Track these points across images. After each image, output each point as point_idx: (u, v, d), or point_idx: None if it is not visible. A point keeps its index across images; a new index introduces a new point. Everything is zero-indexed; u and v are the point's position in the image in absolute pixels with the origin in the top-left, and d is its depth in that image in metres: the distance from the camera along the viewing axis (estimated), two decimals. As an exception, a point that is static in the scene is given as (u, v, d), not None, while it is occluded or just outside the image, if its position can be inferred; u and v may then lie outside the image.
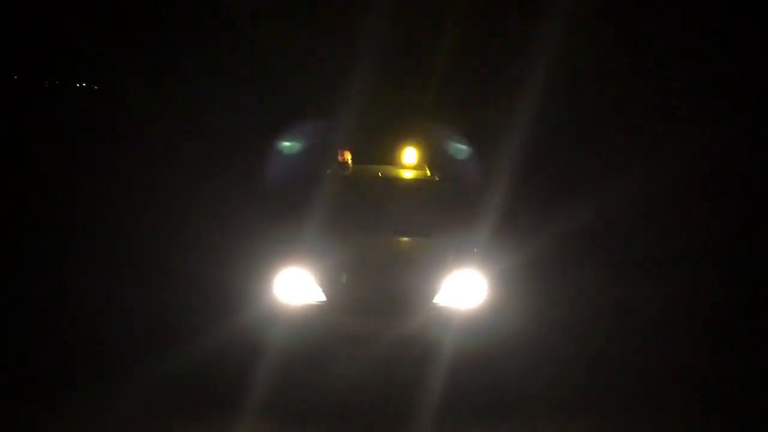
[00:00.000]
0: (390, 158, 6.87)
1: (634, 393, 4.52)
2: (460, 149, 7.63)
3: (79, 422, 3.88)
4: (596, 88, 10.81)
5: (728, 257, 7.35)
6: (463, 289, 4.47)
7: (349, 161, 6.28)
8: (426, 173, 6.16)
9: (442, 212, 5.37)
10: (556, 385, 4.55)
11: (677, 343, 5.42)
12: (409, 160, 6.41)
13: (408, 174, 6.14)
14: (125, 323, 5.30)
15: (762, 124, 8.91)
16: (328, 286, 4.44)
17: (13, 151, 10.32)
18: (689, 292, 6.52)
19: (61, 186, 9.19)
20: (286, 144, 5.64)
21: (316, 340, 4.37)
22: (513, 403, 4.28)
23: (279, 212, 5.52)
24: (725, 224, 8.13)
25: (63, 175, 9.65)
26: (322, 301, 4.42)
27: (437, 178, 5.98)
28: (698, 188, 9.06)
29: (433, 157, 6.44)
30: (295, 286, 4.48)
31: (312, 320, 4.40)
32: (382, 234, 5.11)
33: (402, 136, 7.45)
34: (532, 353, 4.89)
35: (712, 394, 4.53)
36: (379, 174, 6.14)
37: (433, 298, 4.41)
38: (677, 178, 8.78)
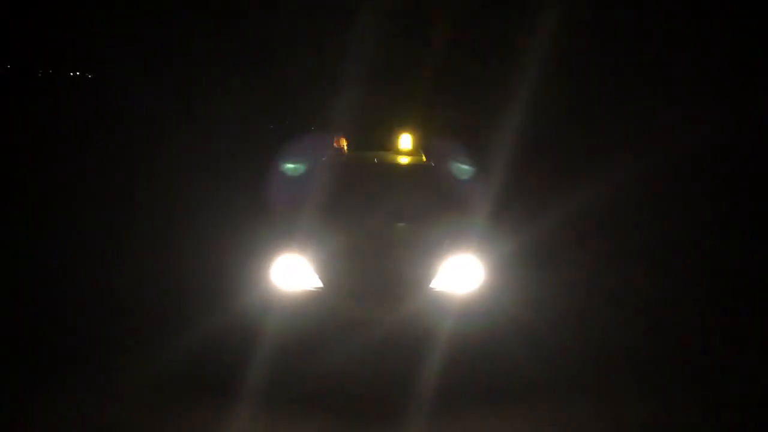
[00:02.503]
0: (386, 144, 6.85)
1: (632, 377, 4.52)
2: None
3: (77, 412, 3.87)
4: (590, 78, 10.83)
5: (719, 247, 7.37)
6: (460, 274, 4.46)
7: (345, 147, 6.26)
8: (422, 158, 6.13)
9: (438, 197, 5.35)
10: (553, 369, 4.55)
11: (674, 330, 5.42)
12: (404, 146, 6.39)
13: (404, 159, 6.12)
14: (120, 311, 5.28)
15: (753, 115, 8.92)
16: (325, 273, 4.43)
17: (6, 141, 10.28)
18: (685, 279, 6.52)
19: (55, 176, 9.16)
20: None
21: (313, 327, 4.37)
22: (510, 387, 4.27)
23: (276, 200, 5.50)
24: (718, 213, 8.15)
25: (57, 165, 9.62)
26: (319, 288, 4.40)
27: (433, 164, 5.96)
28: (693, 178, 9.07)
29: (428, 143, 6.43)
30: (292, 273, 4.47)
31: (309, 306, 4.39)
32: (378, 219, 5.09)
33: (397, 123, 7.43)
34: (528, 338, 4.88)
35: (708, 380, 4.53)
36: (375, 160, 6.12)
37: (429, 284, 4.40)
38: (671, 166, 8.79)
